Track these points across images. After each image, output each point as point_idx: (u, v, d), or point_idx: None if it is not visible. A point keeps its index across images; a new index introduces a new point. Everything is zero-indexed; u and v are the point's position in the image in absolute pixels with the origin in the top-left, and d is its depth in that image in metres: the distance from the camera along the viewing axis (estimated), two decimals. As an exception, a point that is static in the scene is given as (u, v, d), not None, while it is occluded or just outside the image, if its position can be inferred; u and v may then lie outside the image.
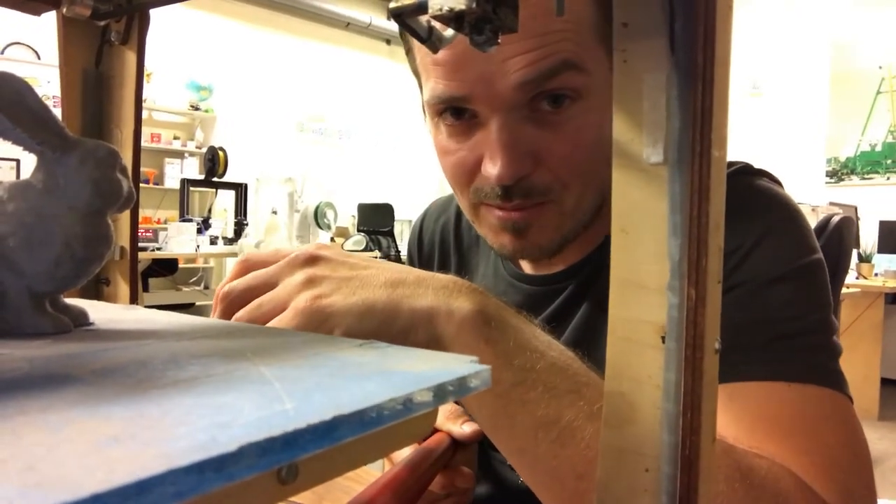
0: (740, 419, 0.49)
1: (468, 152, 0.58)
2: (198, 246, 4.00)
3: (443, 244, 0.84)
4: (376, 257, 4.89)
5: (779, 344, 0.52)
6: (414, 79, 0.64)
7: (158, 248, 3.98)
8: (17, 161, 4.44)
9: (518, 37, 0.50)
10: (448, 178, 0.62)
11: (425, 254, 0.85)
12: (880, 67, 4.67)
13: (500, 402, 0.42)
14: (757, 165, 0.65)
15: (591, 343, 0.64)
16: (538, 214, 0.58)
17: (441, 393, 0.22)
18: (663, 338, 0.26)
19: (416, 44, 0.60)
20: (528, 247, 0.61)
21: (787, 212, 0.58)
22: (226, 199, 5.05)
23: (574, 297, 0.67)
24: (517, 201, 0.57)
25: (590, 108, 0.56)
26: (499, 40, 0.25)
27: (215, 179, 4.44)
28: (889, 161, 4.68)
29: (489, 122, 0.55)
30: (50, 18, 0.54)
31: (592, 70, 0.55)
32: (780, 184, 0.64)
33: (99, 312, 0.36)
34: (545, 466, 0.41)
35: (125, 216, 0.55)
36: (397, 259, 5.07)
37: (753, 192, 0.59)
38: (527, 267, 0.73)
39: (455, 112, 0.57)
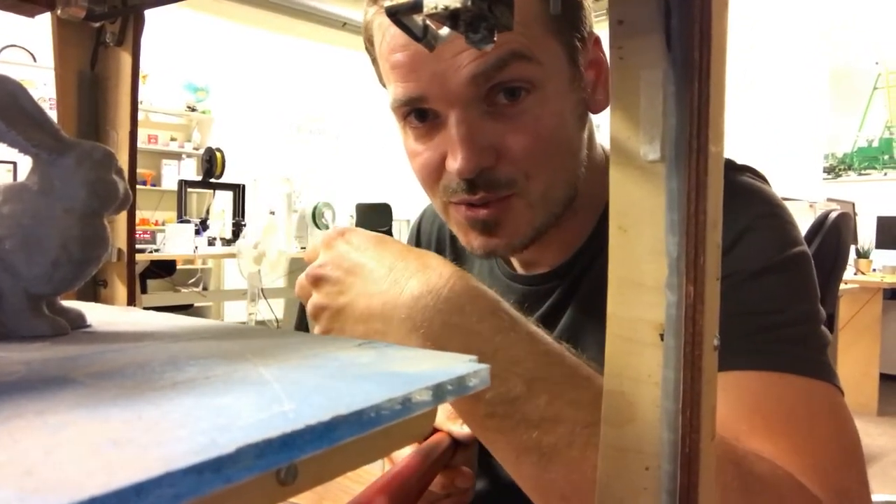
0: (737, 414, 0.49)
1: (432, 152, 0.59)
2: (196, 247, 3.99)
3: (439, 246, 0.84)
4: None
5: (763, 336, 0.52)
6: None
7: (156, 250, 3.98)
8: (14, 164, 4.43)
9: None
10: (419, 181, 0.63)
11: None
12: (877, 63, 4.67)
13: (478, 430, 0.43)
14: (754, 161, 0.65)
15: (582, 339, 0.64)
16: (506, 209, 0.59)
17: (440, 392, 0.22)
18: (662, 335, 0.26)
19: (378, 52, 0.60)
20: (498, 245, 0.61)
21: (770, 207, 0.58)
22: (223, 199, 5.04)
23: (563, 297, 0.67)
24: (482, 194, 0.57)
25: (546, 99, 0.56)
26: (495, 38, 0.25)
27: (213, 180, 4.43)
28: (886, 157, 4.68)
29: (448, 120, 0.56)
30: (45, 20, 0.54)
31: (544, 60, 0.56)
32: (764, 179, 0.64)
33: (96, 314, 0.36)
34: (529, 485, 0.41)
35: (122, 218, 0.55)
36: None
37: (735, 187, 0.59)
38: (519, 266, 0.73)
39: (419, 115, 0.59)
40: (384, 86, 0.63)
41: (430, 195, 0.63)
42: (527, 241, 0.61)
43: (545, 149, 0.57)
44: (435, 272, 0.44)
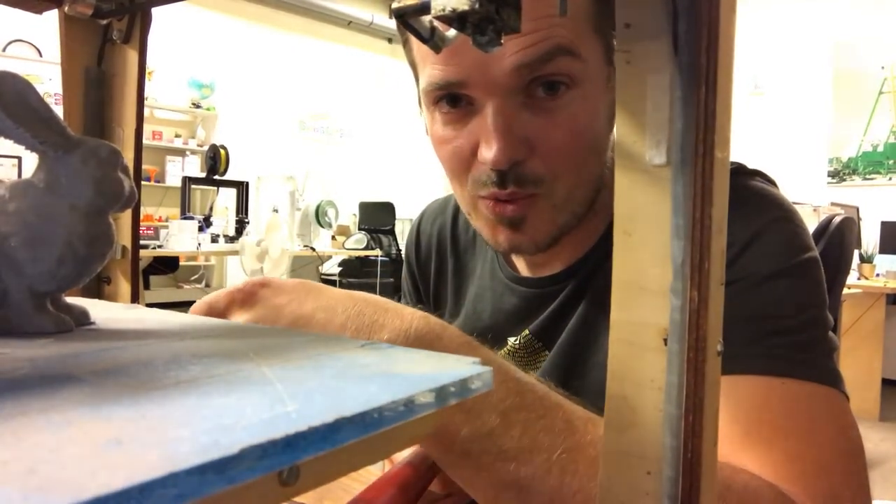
0: (735, 419, 0.49)
1: (464, 140, 0.58)
2: (199, 244, 4.00)
3: (440, 246, 0.84)
4: (377, 256, 4.90)
5: (771, 340, 0.52)
6: (411, 73, 0.64)
7: (160, 246, 3.99)
8: (19, 158, 4.45)
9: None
10: (445, 169, 0.62)
11: (423, 256, 0.86)
12: (883, 68, 4.66)
13: (455, 470, 0.42)
14: (759, 165, 0.65)
15: (588, 344, 0.64)
16: (531, 207, 0.58)
17: (443, 394, 0.22)
18: (665, 340, 0.26)
19: None
20: (523, 241, 0.61)
21: (781, 211, 0.58)
22: (227, 197, 5.06)
23: (571, 298, 0.67)
24: (511, 188, 0.57)
25: (584, 96, 0.56)
26: (501, 41, 0.25)
27: (217, 177, 4.44)
28: (891, 161, 4.67)
29: (485, 108, 0.56)
30: (52, 16, 0.54)
31: (586, 57, 0.55)
32: (774, 184, 0.64)
33: (100, 311, 0.36)
34: None
35: (127, 215, 0.55)
36: (398, 258, 5.06)
37: (747, 192, 0.59)
38: (523, 269, 0.73)
39: (451, 100, 0.58)
40: (413, 69, 0.63)
41: (457, 187, 0.63)
42: (550, 240, 0.61)
43: (577, 147, 0.57)
44: (396, 314, 0.42)
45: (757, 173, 0.64)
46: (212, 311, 0.45)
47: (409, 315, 0.43)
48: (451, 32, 0.27)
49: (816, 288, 0.56)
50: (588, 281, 0.66)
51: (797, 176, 4.67)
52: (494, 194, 0.58)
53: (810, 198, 4.03)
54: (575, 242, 0.66)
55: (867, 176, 4.77)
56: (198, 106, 5.87)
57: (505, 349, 0.71)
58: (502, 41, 0.25)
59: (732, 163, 0.63)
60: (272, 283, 0.45)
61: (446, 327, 0.44)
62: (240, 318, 0.43)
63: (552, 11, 0.53)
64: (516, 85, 0.54)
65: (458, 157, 0.59)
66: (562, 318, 0.67)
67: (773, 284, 0.54)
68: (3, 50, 4.77)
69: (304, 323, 0.42)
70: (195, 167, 5.72)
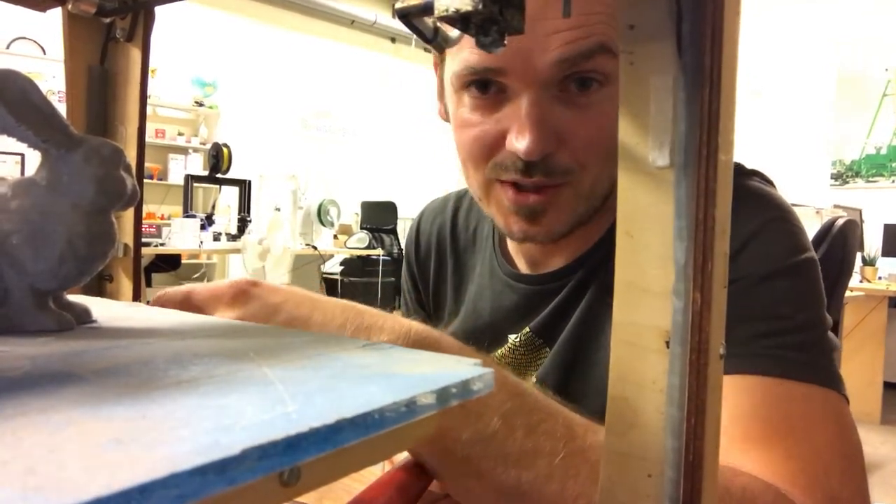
0: (733, 418, 0.49)
1: (492, 126, 0.58)
2: (201, 242, 4.00)
3: (439, 245, 0.84)
4: (379, 255, 4.90)
5: (769, 340, 0.52)
6: (431, 59, 0.64)
7: (161, 244, 3.99)
8: (22, 156, 4.45)
9: (560, 14, 0.51)
10: (464, 153, 0.62)
11: (422, 255, 0.86)
12: (886, 70, 4.65)
13: (453, 477, 0.41)
14: (761, 167, 0.65)
15: (591, 340, 0.64)
16: (555, 197, 0.59)
17: (444, 395, 0.22)
18: (667, 342, 0.26)
19: None
20: (539, 232, 0.61)
21: (779, 212, 0.58)
22: (229, 195, 5.05)
23: (573, 295, 0.67)
24: (538, 178, 0.57)
25: (615, 95, 0.56)
26: (505, 42, 0.25)
27: (219, 176, 4.44)
28: (894, 164, 4.66)
29: (519, 97, 0.56)
30: (55, 14, 0.54)
31: None
32: (772, 184, 0.64)
33: (102, 310, 0.36)
34: None
35: (129, 213, 0.55)
36: (399, 258, 5.07)
37: (745, 192, 0.59)
38: (522, 266, 0.73)
39: (481, 85, 0.58)
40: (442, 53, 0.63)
41: (473, 170, 0.62)
42: (565, 231, 0.62)
43: (604, 144, 0.57)
44: (394, 321, 0.43)
45: (755, 173, 0.64)
46: (188, 301, 0.44)
47: (407, 321, 0.43)
48: (455, 32, 0.27)
49: (814, 288, 0.56)
50: (590, 278, 0.66)
51: (800, 178, 4.66)
52: (518, 180, 0.58)
53: (813, 200, 4.02)
54: (577, 239, 0.66)
55: (870, 178, 4.76)
56: (201, 104, 5.88)
57: (505, 346, 0.71)
58: (505, 41, 0.25)
59: None
60: (264, 283, 0.44)
61: (443, 335, 0.44)
62: (224, 315, 0.42)
63: (597, 9, 0.53)
64: (554, 78, 0.55)
65: (482, 142, 0.59)
66: (563, 314, 0.67)
67: (771, 285, 0.54)
68: (7, 47, 4.77)
69: (301, 323, 0.41)
70: (198, 165, 5.72)
